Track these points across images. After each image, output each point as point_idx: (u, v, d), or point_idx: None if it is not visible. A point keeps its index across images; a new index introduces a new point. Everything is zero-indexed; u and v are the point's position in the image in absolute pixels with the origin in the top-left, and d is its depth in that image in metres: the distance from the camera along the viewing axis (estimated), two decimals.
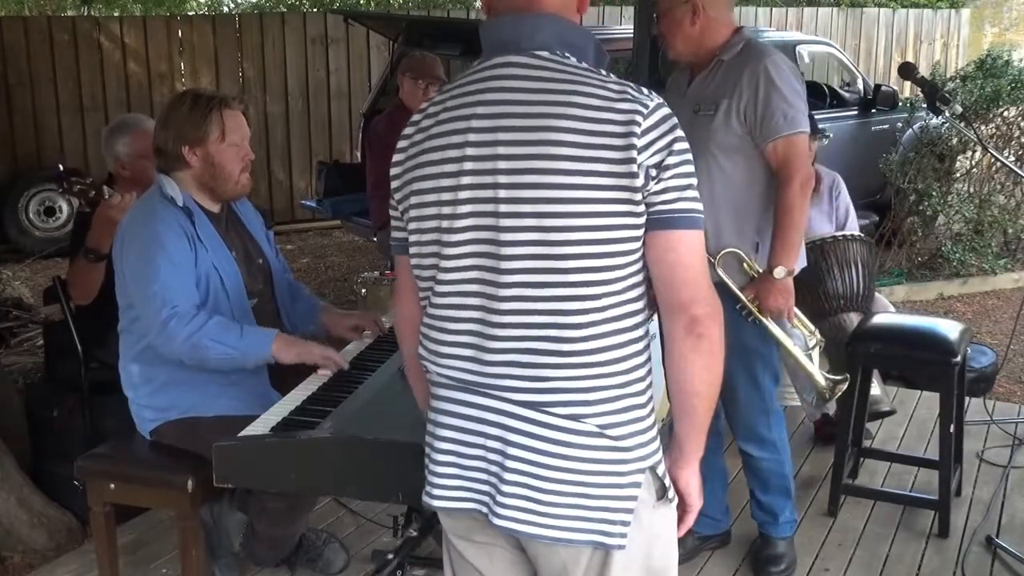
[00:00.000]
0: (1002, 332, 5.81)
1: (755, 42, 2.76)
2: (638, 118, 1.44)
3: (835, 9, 11.76)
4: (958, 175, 7.08)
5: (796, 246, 2.70)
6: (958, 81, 6.97)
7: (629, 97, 1.46)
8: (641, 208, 1.47)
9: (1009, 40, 19.39)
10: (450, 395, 1.58)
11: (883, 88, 7.42)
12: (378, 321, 2.88)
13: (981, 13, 18.95)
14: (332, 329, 2.89)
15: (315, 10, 11.90)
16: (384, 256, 5.01)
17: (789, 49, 6.77)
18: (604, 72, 1.51)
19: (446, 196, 1.53)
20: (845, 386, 2.89)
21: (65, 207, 8.23)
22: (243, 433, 2.21)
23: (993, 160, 6.69)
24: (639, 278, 1.51)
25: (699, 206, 1.50)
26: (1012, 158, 6.78)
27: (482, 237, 1.50)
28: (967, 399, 3.62)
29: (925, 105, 3.47)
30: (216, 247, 2.64)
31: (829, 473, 3.47)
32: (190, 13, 12.84)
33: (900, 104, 7.36)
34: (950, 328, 3.35)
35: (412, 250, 1.61)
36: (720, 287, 2.68)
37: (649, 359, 1.57)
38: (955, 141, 6.67)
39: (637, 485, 1.52)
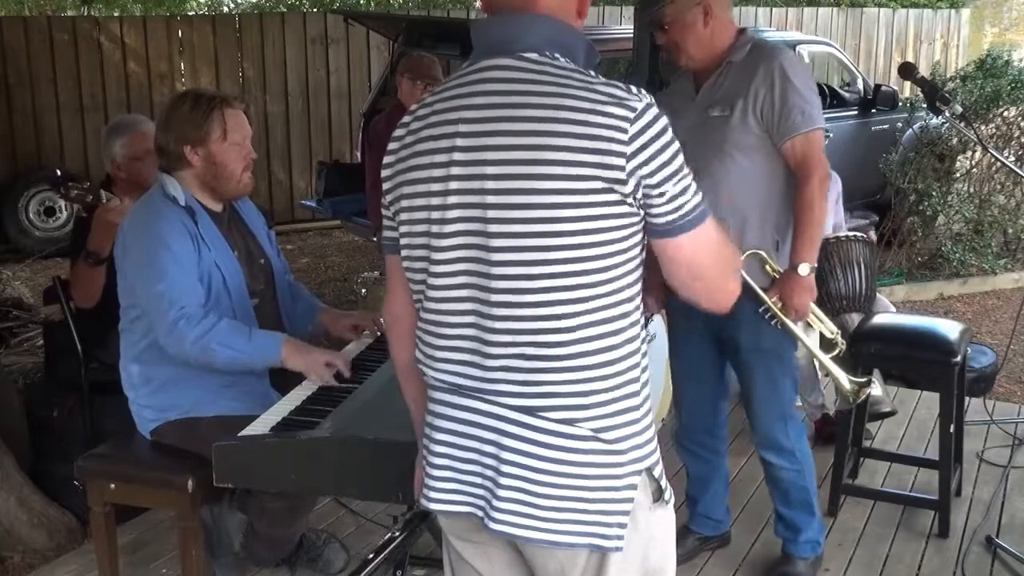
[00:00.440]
0: (1002, 332, 5.81)
1: (763, 41, 2.75)
2: (625, 124, 1.43)
3: (835, 9, 11.76)
4: (958, 175, 7.08)
5: (818, 242, 2.68)
6: (958, 81, 6.97)
7: (616, 100, 1.44)
8: (633, 212, 1.47)
9: (1009, 40, 19.38)
10: (446, 399, 1.58)
11: (883, 88, 7.42)
12: (377, 321, 2.87)
13: (981, 13, 18.94)
14: (331, 328, 2.89)
15: (315, 10, 11.89)
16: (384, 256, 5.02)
17: (789, 49, 6.77)
18: (592, 74, 1.50)
19: (435, 200, 1.52)
20: (869, 389, 2.85)
21: (65, 207, 8.23)
22: (243, 433, 2.21)
23: (993, 160, 6.69)
24: (631, 279, 1.51)
25: (701, 198, 1.51)
26: (1012, 158, 6.78)
27: (472, 242, 1.50)
28: (967, 399, 3.62)
29: (925, 105, 3.47)
30: (219, 246, 2.65)
31: (829, 473, 3.47)
32: (190, 13, 12.84)
33: (900, 104, 7.36)
34: (950, 328, 3.35)
35: (403, 252, 1.61)
36: (749, 295, 2.67)
37: (644, 361, 1.56)
38: (955, 141, 6.67)
39: (633, 487, 1.52)
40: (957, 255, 6.76)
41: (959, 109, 2.86)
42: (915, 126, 6.85)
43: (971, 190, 7.07)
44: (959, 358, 3.21)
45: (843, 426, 3.39)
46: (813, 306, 2.75)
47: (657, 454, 1.58)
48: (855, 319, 3.64)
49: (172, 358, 2.56)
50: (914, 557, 3.16)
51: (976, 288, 6.74)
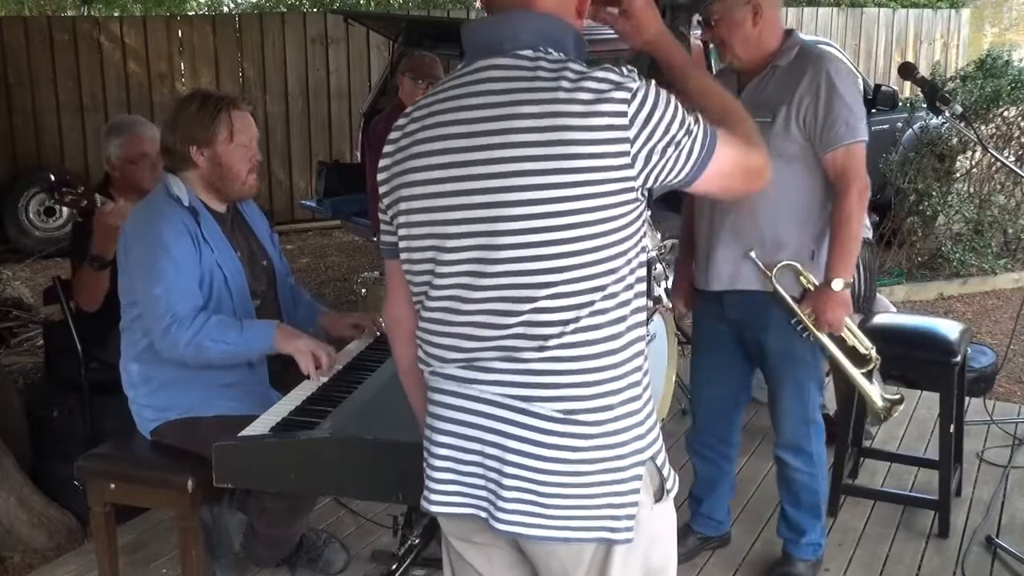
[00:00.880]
0: (1002, 332, 5.81)
1: (810, 46, 2.71)
2: (623, 107, 1.43)
3: (835, 9, 11.76)
4: (958, 175, 7.08)
5: (854, 257, 2.64)
6: (958, 81, 6.97)
7: (612, 84, 1.44)
8: (636, 199, 1.48)
9: (1009, 40, 19.39)
10: (447, 400, 1.57)
11: (883, 88, 7.42)
12: (376, 321, 2.88)
13: (981, 13, 18.95)
14: (331, 329, 2.89)
15: (315, 10, 11.90)
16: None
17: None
18: (584, 65, 1.48)
19: (437, 203, 1.52)
20: (901, 407, 2.82)
21: (65, 208, 8.22)
22: (243, 433, 2.21)
23: (993, 160, 6.69)
24: (629, 270, 1.50)
25: (707, 128, 1.51)
26: (1012, 158, 6.78)
27: (477, 243, 1.50)
28: (967, 399, 3.62)
29: (925, 105, 3.47)
30: (221, 247, 2.65)
31: (829, 473, 3.46)
32: (190, 13, 12.84)
33: (900, 104, 7.36)
34: (950, 328, 3.35)
35: (403, 255, 1.60)
36: (777, 301, 2.68)
37: (644, 354, 1.56)
38: (955, 141, 6.67)
39: (639, 477, 1.52)
40: (957, 255, 6.76)
41: (959, 109, 2.86)
42: (915, 126, 6.85)
43: (971, 190, 7.07)
44: (959, 358, 3.21)
45: (843, 426, 3.39)
46: (848, 320, 2.72)
47: (659, 444, 1.58)
48: (855, 319, 3.63)
49: (170, 360, 2.56)
50: (914, 557, 3.16)
51: (976, 288, 6.74)
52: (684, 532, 3.05)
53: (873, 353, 2.82)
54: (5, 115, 8.43)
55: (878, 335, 3.03)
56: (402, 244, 1.59)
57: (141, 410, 2.70)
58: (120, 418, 2.83)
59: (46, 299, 3.66)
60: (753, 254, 2.68)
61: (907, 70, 2.93)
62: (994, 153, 3.45)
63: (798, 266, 2.67)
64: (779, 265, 2.67)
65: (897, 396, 2.81)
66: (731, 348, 2.89)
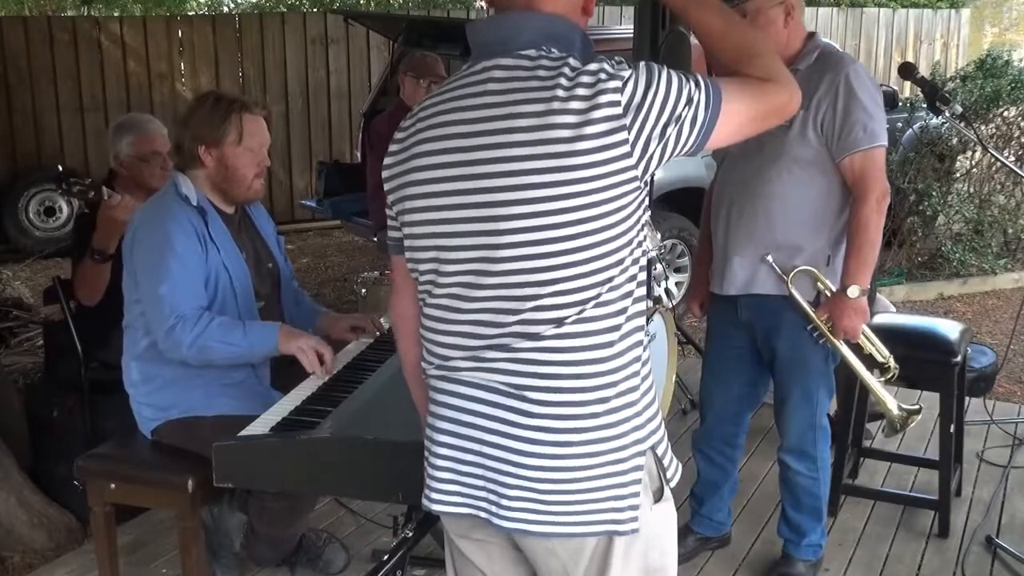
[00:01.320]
0: (1002, 332, 5.81)
1: (830, 49, 2.69)
2: (617, 96, 1.43)
3: (835, 9, 11.76)
4: (958, 175, 7.08)
5: (871, 264, 2.62)
6: (958, 81, 6.97)
7: (606, 75, 1.44)
8: (636, 188, 1.47)
9: (1009, 40, 19.39)
10: (447, 400, 1.58)
11: (883, 88, 7.40)
12: (375, 322, 2.88)
13: (981, 13, 18.95)
14: (330, 331, 2.89)
15: (315, 10, 11.91)
16: (384, 256, 5.01)
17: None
18: (580, 61, 1.48)
19: (438, 202, 1.53)
20: (919, 417, 2.79)
21: (65, 207, 8.23)
22: (243, 433, 2.21)
23: (993, 160, 6.69)
24: (632, 260, 1.50)
25: (710, 89, 1.49)
26: (1012, 158, 6.78)
27: (479, 243, 1.50)
28: (967, 399, 3.62)
29: (925, 105, 3.47)
30: (227, 247, 2.66)
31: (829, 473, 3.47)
32: (190, 13, 12.85)
33: (900, 104, 7.36)
34: (950, 328, 3.35)
35: (408, 254, 1.61)
36: (793, 306, 2.67)
37: (642, 344, 1.56)
38: (955, 141, 6.68)
39: (639, 468, 1.52)
40: (957, 255, 6.76)
41: (959, 109, 2.86)
42: (915, 126, 6.85)
43: (971, 190, 7.07)
44: (959, 358, 3.21)
45: (843, 426, 3.39)
46: (865, 328, 2.71)
47: (660, 435, 1.58)
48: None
49: (168, 357, 2.57)
50: (914, 557, 3.16)
51: (976, 288, 6.74)
52: (684, 532, 3.05)
53: (891, 362, 2.81)
54: (5, 115, 8.43)
55: (878, 335, 3.03)
56: (406, 242, 1.61)
57: (141, 408, 2.70)
58: (120, 418, 2.83)
59: (46, 299, 3.66)
60: (770, 258, 2.67)
61: (907, 70, 2.93)
62: (994, 153, 3.45)
63: (815, 271, 2.66)
64: (796, 270, 2.65)
65: (916, 407, 2.79)
66: (743, 352, 2.88)
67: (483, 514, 1.55)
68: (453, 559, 1.73)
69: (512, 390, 1.51)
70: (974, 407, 4.09)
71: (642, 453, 1.53)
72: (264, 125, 2.70)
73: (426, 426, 1.64)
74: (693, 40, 5.19)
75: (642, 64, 1.48)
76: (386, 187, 1.62)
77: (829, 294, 2.66)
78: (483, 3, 12.64)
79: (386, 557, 2.34)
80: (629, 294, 1.51)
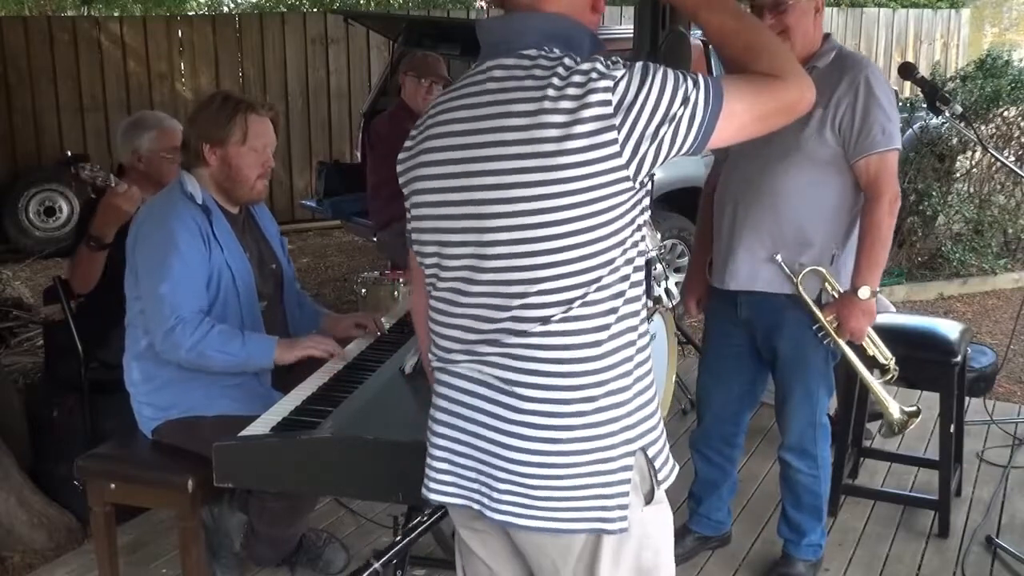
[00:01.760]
0: (1002, 332, 5.81)
1: (847, 51, 2.70)
2: (608, 96, 1.43)
3: (835, 9, 11.76)
4: (958, 175, 7.08)
5: (882, 266, 2.63)
6: (958, 81, 6.98)
7: (598, 74, 1.44)
8: (628, 188, 1.47)
9: (1009, 40, 19.39)
10: (445, 392, 1.61)
11: None
12: (377, 321, 2.88)
13: (981, 13, 18.95)
14: (333, 331, 2.90)
15: (315, 10, 11.91)
16: (384, 256, 5.01)
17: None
18: (578, 60, 1.49)
19: (440, 197, 1.57)
20: (918, 419, 2.79)
21: (65, 207, 8.22)
22: (243, 433, 2.21)
23: (993, 160, 6.69)
24: (625, 260, 1.50)
25: (710, 88, 1.46)
26: (1012, 158, 6.79)
27: (473, 239, 1.53)
28: (967, 399, 3.62)
29: (925, 105, 3.46)
30: (231, 246, 2.66)
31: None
32: (190, 13, 12.85)
33: (900, 104, 7.36)
34: (950, 328, 3.35)
35: (415, 247, 1.66)
36: (799, 305, 2.67)
37: (640, 342, 1.56)
38: (955, 141, 6.68)
39: (628, 468, 1.53)
40: (957, 255, 6.76)
41: (959, 109, 2.85)
42: (915, 126, 6.85)
43: (971, 190, 7.08)
44: (959, 358, 3.21)
45: (843, 426, 3.39)
46: (869, 330, 2.71)
47: (653, 436, 1.58)
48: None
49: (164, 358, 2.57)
50: (914, 557, 3.16)
51: (976, 288, 6.74)
52: (682, 532, 3.05)
53: (892, 364, 2.81)
54: (5, 115, 8.43)
55: (878, 335, 3.03)
56: (413, 236, 1.65)
57: (142, 408, 2.71)
58: (120, 418, 2.83)
59: (46, 299, 3.66)
60: (779, 258, 2.67)
61: (907, 70, 2.93)
62: (994, 153, 3.45)
63: (824, 272, 2.66)
64: (805, 271, 2.65)
65: (913, 408, 2.79)
66: (742, 350, 2.88)
67: (476, 505, 1.57)
68: (460, 549, 1.76)
69: (503, 385, 1.53)
70: (974, 407, 4.09)
71: (632, 453, 1.53)
72: (270, 126, 2.70)
73: (429, 419, 1.67)
74: (693, 40, 5.20)
75: (638, 64, 1.47)
76: (400, 181, 1.66)
77: (836, 295, 2.66)
78: (483, 3, 12.63)
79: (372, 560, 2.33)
80: (620, 294, 1.51)
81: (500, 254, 1.50)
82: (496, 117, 1.49)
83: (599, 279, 1.48)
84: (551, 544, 1.55)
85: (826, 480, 2.92)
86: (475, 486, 1.57)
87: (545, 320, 1.49)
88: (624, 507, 1.52)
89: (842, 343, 2.69)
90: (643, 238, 1.54)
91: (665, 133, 1.45)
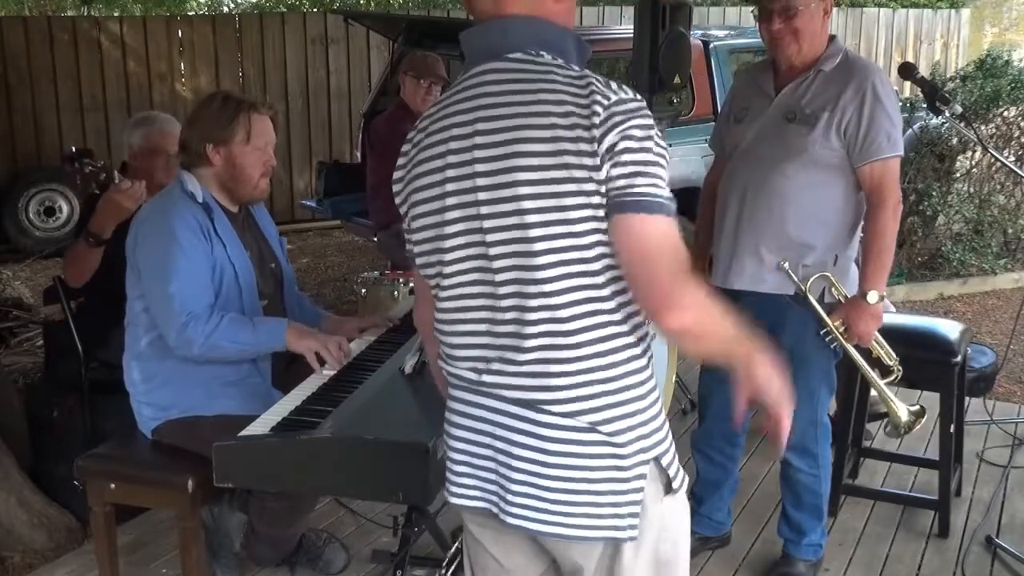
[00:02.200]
0: (1002, 332, 5.81)
1: (854, 55, 2.70)
2: (598, 108, 1.44)
3: (835, 9, 11.73)
4: (958, 175, 7.07)
5: (888, 270, 2.65)
6: (958, 81, 6.97)
7: (592, 91, 1.45)
8: (604, 194, 1.46)
9: (1009, 40, 19.39)
10: (462, 396, 1.62)
11: None
12: (385, 317, 2.92)
13: (981, 13, 18.95)
14: (335, 334, 2.89)
15: (315, 10, 11.91)
16: (384, 256, 5.01)
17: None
18: (576, 68, 1.51)
19: (436, 205, 1.57)
20: (923, 420, 2.79)
21: (65, 207, 8.22)
22: (243, 433, 2.21)
23: (993, 160, 6.69)
24: (616, 266, 1.50)
25: (659, 191, 1.44)
26: (1012, 158, 6.78)
27: (474, 240, 1.53)
28: (967, 399, 3.62)
29: (925, 105, 3.46)
30: (233, 243, 2.68)
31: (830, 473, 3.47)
32: (190, 13, 12.85)
33: (900, 104, 7.35)
34: (950, 328, 3.35)
35: (417, 260, 1.65)
36: (808, 311, 2.67)
37: (648, 352, 1.57)
38: (955, 141, 6.67)
39: (642, 477, 1.54)
40: (957, 255, 6.76)
41: (959, 109, 2.86)
42: (915, 126, 6.84)
43: (971, 190, 7.07)
44: (959, 358, 3.21)
45: (843, 426, 3.39)
46: (876, 333, 2.72)
47: (666, 444, 1.59)
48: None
49: (177, 354, 2.58)
50: (914, 557, 3.16)
51: (976, 288, 6.74)
52: None
53: (897, 366, 2.82)
54: (5, 115, 8.42)
55: (880, 335, 3.03)
56: (415, 248, 1.64)
57: (142, 408, 2.71)
58: (120, 418, 2.83)
59: (46, 299, 3.66)
60: (787, 265, 2.67)
61: (907, 70, 2.93)
62: (994, 153, 3.45)
63: (831, 278, 2.67)
64: (814, 277, 2.66)
65: (919, 408, 2.79)
66: None
67: (493, 508, 1.59)
68: (468, 549, 1.76)
69: (516, 400, 1.54)
70: (974, 407, 4.09)
71: (646, 462, 1.54)
72: (270, 125, 2.73)
73: (445, 421, 1.68)
74: (693, 40, 5.20)
75: (648, 119, 1.46)
76: (397, 199, 1.67)
77: (843, 300, 2.67)
78: None
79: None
80: (627, 303, 1.51)
81: (503, 267, 1.50)
82: (490, 120, 1.50)
83: (601, 287, 1.49)
84: (575, 545, 1.57)
85: (826, 480, 2.92)
86: (493, 488, 1.58)
87: (557, 328, 1.49)
88: (636, 515, 1.53)
89: (849, 347, 2.69)
90: None
91: (619, 172, 1.44)
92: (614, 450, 1.52)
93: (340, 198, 6.40)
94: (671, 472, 1.59)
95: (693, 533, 3.08)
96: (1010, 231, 7.14)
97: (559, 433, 1.51)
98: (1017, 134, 6.97)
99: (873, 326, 2.67)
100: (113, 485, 2.67)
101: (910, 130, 6.89)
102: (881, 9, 12.04)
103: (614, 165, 1.43)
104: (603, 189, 1.45)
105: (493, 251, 1.51)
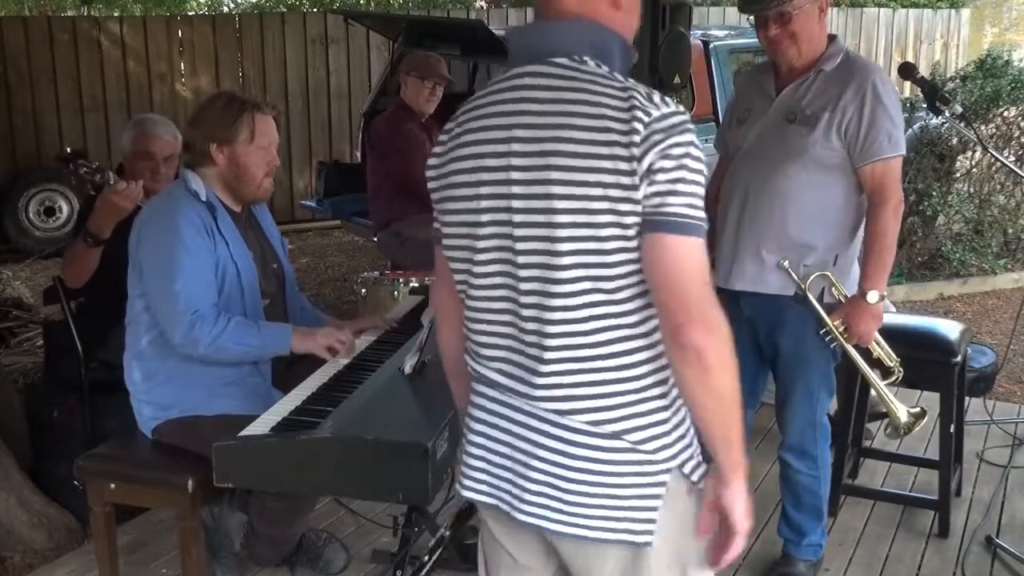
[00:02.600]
0: (1002, 332, 5.81)
1: (854, 54, 2.70)
2: (638, 126, 1.42)
3: (835, 9, 11.74)
4: (958, 175, 7.07)
5: (888, 269, 2.65)
6: (958, 81, 6.97)
7: (633, 105, 1.43)
8: (639, 212, 1.45)
9: (1009, 40, 19.40)
10: (485, 391, 1.62)
11: None
12: (384, 320, 2.92)
13: (981, 13, 18.95)
14: None
15: (315, 10, 11.91)
16: (384, 256, 5.01)
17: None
18: (621, 77, 1.49)
19: (470, 204, 1.56)
20: (924, 421, 2.79)
21: (65, 207, 8.22)
22: (243, 433, 2.21)
23: (993, 160, 6.69)
24: (645, 288, 1.49)
25: (692, 212, 1.45)
26: (1012, 158, 6.78)
27: (503, 245, 1.53)
28: (967, 399, 3.62)
29: (925, 105, 3.47)
30: (236, 243, 2.69)
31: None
32: (190, 13, 12.85)
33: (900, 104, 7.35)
34: (950, 328, 3.35)
35: (447, 252, 1.64)
36: (808, 311, 2.67)
37: (668, 365, 1.55)
38: (955, 141, 6.67)
39: (662, 484, 1.53)
40: (957, 255, 6.76)
41: (959, 109, 2.86)
42: (915, 126, 6.84)
43: (971, 190, 7.07)
44: (959, 358, 3.21)
45: (843, 426, 3.39)
46: (876, 333, 2.72)
47: (690, 451, 1.58)
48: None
49: (176, 353, 2.59)
50: (914, 557, 3.16)
51: (976, 288, 6.74)
52: None
53: (897, 366, 2.82)
54: (5, 115, 8.42)
55: (880, 335, 3.04)
56: (445, 241, 1.64)
57: (142, 407, 2.71)
58: (120, 418, 2.83)
59: (46, 299, 3.66)
60: (787, 264, 2.67)
61: (907, 70, 2.93)
62: (994, 153, 3.45)
63: (831, 277, 2.67)
64: (813, 276, 2.66)
65: (919, 410, 2.79)
66: (744, 348, 2.86)
67: (504, 506, 1.59)
68: (484, 543, 1.76)
69: (542, 404, 1.53)
70: (974, 407, 4.09)
71: (668, 471, 1.54)
72: (273, 125, 2.74)
73: (464, 415, 1.68)
74: (693, 40, 5.20)
75: (691, 135, 1.45)
76: (430, 186, 1.65)
77: (843, 299, 2.67)
78: (483, 3, 12.63)
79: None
80: (647, 319, 1.50)
81: (530, 276, 1.50)
82: (529, 127, 1.48)
83: (630, 298, 1.48)
84: (590, 547, 1.56)
85: (826, 480, 2.92)
86: (507, 486, 1.58)
87: (576, 344, 1.49)
88: (652, 521, 1.53)
89: (849, 347, 2.69)
90: None
91: (655, 189, 1.43)
92: (640, 456, 1.51)
93: (340, 198, 6.40)
94: (694, 478, 1.59)
95: None
96: (1010, 231, 7.14)
97: (584, 439, 1.51)
98: (1017, 134, 6.97)
99: (873, 326, 2.66)
100: (113, 485, 2.67)
101: (910, 130, 6.89)
102: (881, 9, 12.04)
103: (651, 183, 1.42)
104: (638, 208, 1.43)
105: (521, 259, 1.50)
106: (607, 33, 1.55)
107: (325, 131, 9.31)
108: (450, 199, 1.60)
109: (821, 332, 2.68)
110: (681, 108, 1.47)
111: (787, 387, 2.82)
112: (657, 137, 1.42)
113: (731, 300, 2.83)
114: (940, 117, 2.96)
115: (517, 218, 1.50)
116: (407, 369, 2.40)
